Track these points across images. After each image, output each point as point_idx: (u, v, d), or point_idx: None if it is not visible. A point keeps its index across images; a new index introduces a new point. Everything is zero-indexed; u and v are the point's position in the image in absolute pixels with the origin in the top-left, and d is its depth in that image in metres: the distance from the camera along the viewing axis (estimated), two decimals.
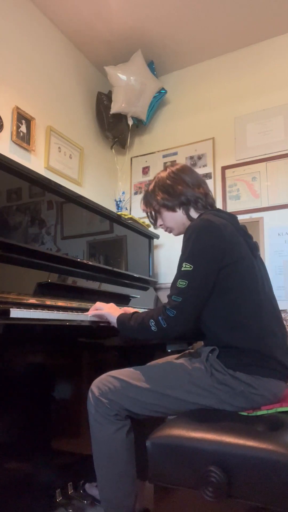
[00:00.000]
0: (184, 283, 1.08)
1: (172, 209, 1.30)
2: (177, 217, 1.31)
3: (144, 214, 2.90)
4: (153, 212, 1.37)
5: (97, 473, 1.13)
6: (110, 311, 1.27)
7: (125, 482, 1.11)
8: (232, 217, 1.23)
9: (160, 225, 1.38)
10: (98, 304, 1.32)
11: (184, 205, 1.29)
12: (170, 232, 1.38)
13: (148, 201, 1.37)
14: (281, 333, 1.16)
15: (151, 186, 1.36)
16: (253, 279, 1.14)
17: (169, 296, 1.12)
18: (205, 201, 1.30)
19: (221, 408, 1.08)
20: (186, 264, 1.09)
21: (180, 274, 1.10)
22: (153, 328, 1.11)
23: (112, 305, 1.31)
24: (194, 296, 1.09)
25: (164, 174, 1.34)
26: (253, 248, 1.21)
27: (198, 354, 1.17)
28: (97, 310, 1.30)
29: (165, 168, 1.38)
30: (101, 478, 1.13)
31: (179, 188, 1.28)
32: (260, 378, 1.06)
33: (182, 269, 1.10)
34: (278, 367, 1.09)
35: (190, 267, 1.08)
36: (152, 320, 1.12)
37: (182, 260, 1.11)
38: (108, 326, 1.32)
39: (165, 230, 1.39)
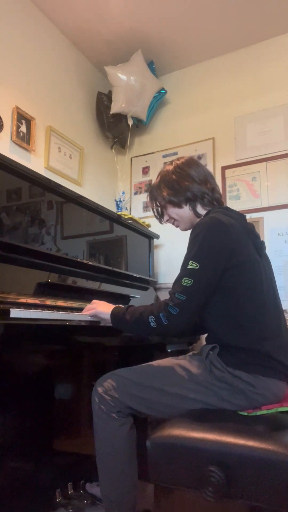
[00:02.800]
0: (190, 282, 1.07)
1: (178, 205, 1.29)
2: (184, 213, 1.30)
3: (144, 214, 2.90)
4: (159, 208, 1.36)
5: (99, 470, 1.14)
6: (102, 309, 1.25)
7: (126, 479, 1.12)
8: (240, 216, 1.22)
9: (167, 220, 1.36)
10: (92, 304, 1.31)
11: (190, 201, 1.27)
12: (177, 226, 1.36)
13: (153, 196, 1.35)
14: (284, 334, 1.16)
15: (156, 181, 1.34)
16: (258, 280, 1.14)
17: (172, 293, 1.10)
18: (211, 197, 1.28)
19: (221, 407, 1.08)
20: (192, 263, 1.08)
21: (185, 272, 1.09)
22: (152, 324, 1.10)
23: (103, 302, 1.30)
24: (198, 295, 1.08)
25: (170, 168, 1.32)
26: (259, 248, 1.20)
27: (199, 352, 1.17)
28: (90, 309, 1.29)
29: (170, 162, 1.35)
30: (103, 475, 1.13)
31: (185, 184, 1.26)
32: (260, 378, 1.06)
33: (188, 267, 1.09)
34: (279, 367, 1.09)
35: (197, 265, 1.07)
36: (152, 316, 1.10)
37: (189, 258, 1.10)
38: (108, 326, 1.32)
39: (172, 224, 1.37)
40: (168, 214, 1.34)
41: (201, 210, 1.28)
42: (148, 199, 1.38)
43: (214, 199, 1.29)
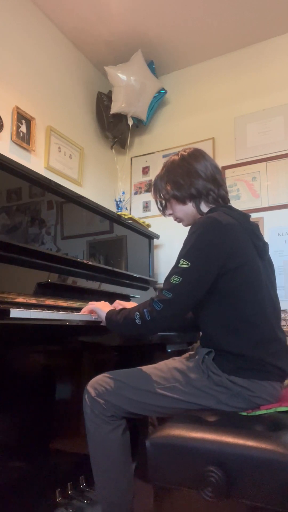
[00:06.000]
0: (178, 280, 1.05)
1: (182, 201, 1.25)
2: (187, 209, 1.26)
3: (144, 214, 2.89)
4: (162, 201, 1.32)
5: (94, 474, 1.13)
6: (101, 307, 1.24)
7: (122, 481, 1.11)
8: (243, 216, 1.18)
9: (170, 214, 1.33)
10: (90, 303, 1.30)
11: (194, 198, 1.23)
12: (179, 222, 1.33)
13: (157, 188, 1.31)
14: (282, 338, 1.15)
15: (161, 172, 1.30)
16: (257, 283, 1.11)
17: (159, 290, 1.08)
18: (217, 194, 1.23)
19: (220, 409, 1.08)
20: (183, 261, 1.06)
21: (175, 270, 1.07)
22: (137, 321, 1.07)
23: (103, 302, 1.29)
24: (185, 294, 1.05)
25: (176, 159, 1.27)
26: (261, 250, 1.17)
27: (195, 354, 1.17)
28: (89, 307, 1.29)
29: (177, 153, 1.30)
30: (98, 478, 1.13)
31: (190, 180, 1.22)
32: (256, 381, 1.06)
33: (179, 265, 1.06)
34: (274, 370, 1.08)
35: (187, 264, 1.05)
36: (137, 313, 1.08)
37: (181, 256, 1.08)
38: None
39: (175, 220, 1.34)
40: (171, 209, 1.31)
41: (204, 208, 1.24)
42: (152, 191, 1.35)
43: (220, 197, 1.24)
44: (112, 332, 1.22)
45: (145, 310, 1.07)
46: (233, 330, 1.10)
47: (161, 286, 1.11)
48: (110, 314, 1.19)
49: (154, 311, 1.05)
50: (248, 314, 1.09)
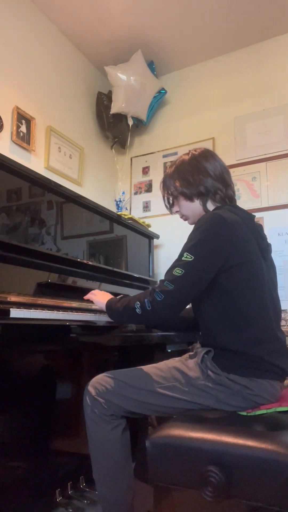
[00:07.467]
0: (181, 272, 1.06)
1: (190, 198, 1.26)
2: (194, 207, 1.27)
3: (144, 214, 2.89)
4: (170, 197, 1.34)
5: (94, 472, 1.14)
6: (99, 298, 1.26)
7: (122, 480, 1.12)
8: (248, 215, 1.20)
9: (176, 211, 1.34)
10: (95, 291, 1.34)
11: (202, 196, 1.25)
12: (185, 220, 1.34)
13: (166, 185, 1.32)
14: (281, 337, 1.15)
15: (171, 170, 1.32)
16: (259, 282, 1.12)
17: (161, 281, 1.09)
18: (224, 193, 1.25)
19: (219, 408, 1.08)
20: (187, 254, 1.07)
21: (179, 263, 1.08)
22: (137, 310, 1.09)
23: (104, 292, 1.31)
24: (187, 287, 1.07)
25: (186, 158, 1.29)
26: (264, 250, 1.18)
27: (195, 354, 1.17)
28: (92, 295, 1.33)
29: (187, 152, 1.32)
30: (98, 477, 1.13)
31: (199, 178, 1.24)
32: (255, 380, 1.06)
33: (183, 258, 1.08)
34: (273, 369, 1.09)
35: (191, 257, 1.06)
36: (138, 302, 1.10)
37: (185, 249, 1.09)
38: (108, 326, 1.32)
39: (181, 217, 1.35)
40: (178, 205, 1.32)
41: (211, 206, 1.26)
42: (161, 187, 1.36)
43: (227, 197, 1.26)
44: (117, 330, 1.23)
45: (145, 300, 1.08)
46: (233, 327, 1.10)
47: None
48: (110, 303, 1.21)
49: (155, 301, 1.07)
50: (248, 312, 1.10)
